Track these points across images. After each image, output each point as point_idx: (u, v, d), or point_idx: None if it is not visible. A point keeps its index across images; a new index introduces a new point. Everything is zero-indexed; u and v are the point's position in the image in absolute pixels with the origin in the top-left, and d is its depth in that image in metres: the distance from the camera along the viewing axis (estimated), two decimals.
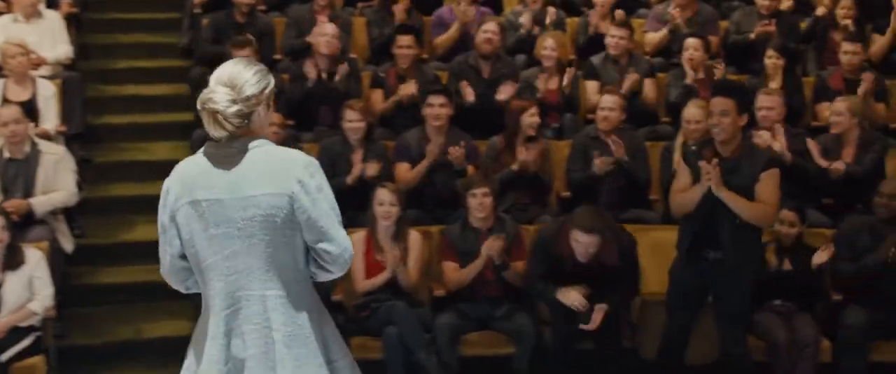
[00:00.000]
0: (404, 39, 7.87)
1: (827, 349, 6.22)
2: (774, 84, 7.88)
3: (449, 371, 6.09)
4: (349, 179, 6.82)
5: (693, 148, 5.68)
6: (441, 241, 6.49)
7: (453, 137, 7.01)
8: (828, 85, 8.10)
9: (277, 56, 8.60)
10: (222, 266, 3.38)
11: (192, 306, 6.77)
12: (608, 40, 8.13)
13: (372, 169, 6.76)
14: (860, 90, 7.77)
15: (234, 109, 3.29)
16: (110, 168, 8.34)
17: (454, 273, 6.29)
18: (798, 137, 7.09)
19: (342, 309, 6.26)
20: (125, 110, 8.94)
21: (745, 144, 5.59)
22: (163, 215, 3.45)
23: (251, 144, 3.36)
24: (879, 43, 8.76)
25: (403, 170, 6.98)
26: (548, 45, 7.99)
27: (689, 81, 7.84)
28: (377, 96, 7.87)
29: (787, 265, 6.29)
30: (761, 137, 6.71)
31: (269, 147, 3.39)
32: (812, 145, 7.06)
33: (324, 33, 7.79)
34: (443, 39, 8.72)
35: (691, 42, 7.98)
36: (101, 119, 8.78)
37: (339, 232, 3.40)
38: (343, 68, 7.71)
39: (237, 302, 3.39)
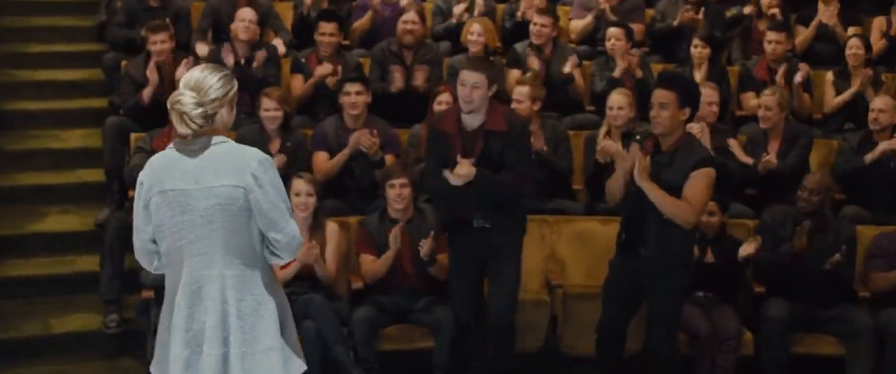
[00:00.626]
0: (327, 27, 7.69)
1: (749, 342, 6.17)
2: (700, 73, 7.85)
3: (366, 366, 5.94)
4: None
5: (637, 137, 5.53)
6: (358, 232, 6.34)
7: (372, 126, 6.86)
8: (753, 74, 8.09)
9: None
10: (188, 249, 3.84)
11: (101, 301, 6.58)
12: (532, 28, 8.02)
13: (277, 163, 6.52)
14: (797, 79, 7.77)
15: (199, 111, 3.74)
16: (20, 156, 8.06)
17: (371, 265, 6.15)
18: (723, 134, 7.03)
19: None
20: (37, 96, 8.67)
21: (684, 140, 5.37)
22: (137, 204, 3.91)
23: (214, 141, 3.80)
24: (804, 34, 8.76)
25: (321, 159, 6.81)
26: (474, 31, 7.89)
27: (617, 74, 7.74)
28: (297, 82, 7.71)
29: (709, 257, 6.22)
30: (691, 129, 6.59)
31: (230, 144, 3.84)
32: (734, 146, 7.01)
33: (242, 19, 7.61)
34: (358, 25, 8.62)
35: (613, 31, 7.92)
36: (12, 105, 8.51)
37: (288, 223, 3.87)
38: (261, 55, 7.54)
39: (200, 280, 3.84)
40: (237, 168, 3.80)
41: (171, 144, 3.89)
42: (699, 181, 5.25)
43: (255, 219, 3.84)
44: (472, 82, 5.47)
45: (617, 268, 5.66)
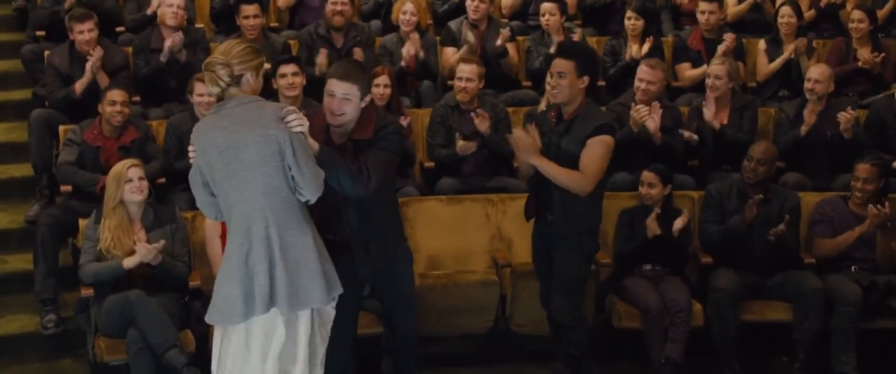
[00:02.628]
0: (249, 9, 7.53)
1: (698, 313, 6.16)
2: (635, 46, 7.84)
3: None
4: None
5: (544, 109, 5.48)
6: None
7: (308, 108, 6.71)
8: (687, 45, 8.09)
9: (119, 28, 8.17)
10: (236, 195, 4.41)
11: (36, 301, 6.37)
12: (469, 4, 7.93)
13: None
14: (721, 49, 7.75)
15: (225, 71, 4.32)
16: None
17: None
18: (670, 111, 7.00)
19: (200, 295, 5.93)
20: None
21: (584, 107, 5.37)
22: (194, 165, 4.49)
23: (245, 100, 4.39)
24: (738, 6, 8.80)
25: None
26: (407, 10, 7.77)
27: (553, 50, 7.70)
28: None
29: (656, 229, 6.20)
30: (638, 112, 6.60)
31: (261, 102, 4.44)
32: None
33: (169, 4, 7.41)
34: (283, 3, 8.52)
35: (547, 6, 7.88)
36: None
37: (310, 167, 4.39)
38: (176, 38, 7.28)
39: (249, 221, 4.40)
40: (268, 120, 4.35)
41: (212, 110, 4.49)
42: (594, 150, 5.26)
43: (286, 163, 4.37)
44: (342, 93, 4.72)
45: (535, 238, 5.69)
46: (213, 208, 4.56)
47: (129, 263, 5.61)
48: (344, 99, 4.72)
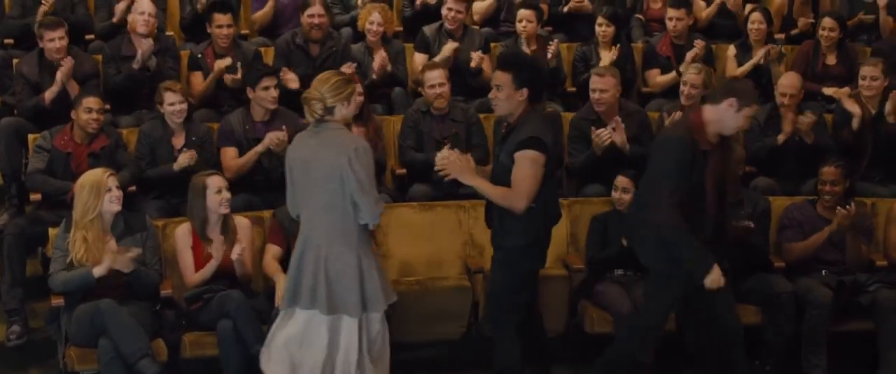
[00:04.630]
0: (222, 18, 7.48)
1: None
2: (606, 52, 7.85)
3: None
4: (176, 167, 6.46)
5: (504, 121, 5.48)
6: (271, 223, 6.19)
7: (280, 118, 6.71)
8: (657, 51, 8.12)
9: (89, 36, 8.12)
10: (305, 205, 5.09)
11: (2, 310, 6.32)
12: (445, 13, 7.92)
13: (185, 159, 6.40)
14: (689, 56, 7.79)
15: (319, 104, 4.97)
16: None
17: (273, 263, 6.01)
18: (636, 116, 7.02)
19: (173, 305, 5.91)
20: None
21: (521, 119, 5.22)
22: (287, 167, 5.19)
23: (331, 127, 5.01)
24: (707, 10, 8.85)
25: (230, 156, 6.64)
26: (374, 20, 7.76)
27: None
28: (197, 79, 7.50)
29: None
30: (599, 137, 6.62)
31: (342, 130, 5.06)
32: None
33: (141, 12, 7.37)
34: (259, 15, 8.48)
35: (524, 13, 7.88)
36: None
37: (368, 196, 4.96)
38: (146, 44, 7.24)
39: (309, 228, 5.09)
40: (342, 147, 4.94)
41: (310, 126, 5.13)
42: (520, 166, 5.14)
43: (347, 187, 4.94)
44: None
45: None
46: (296, 206, 5.18)
47: (98, 271, 5.59)
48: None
